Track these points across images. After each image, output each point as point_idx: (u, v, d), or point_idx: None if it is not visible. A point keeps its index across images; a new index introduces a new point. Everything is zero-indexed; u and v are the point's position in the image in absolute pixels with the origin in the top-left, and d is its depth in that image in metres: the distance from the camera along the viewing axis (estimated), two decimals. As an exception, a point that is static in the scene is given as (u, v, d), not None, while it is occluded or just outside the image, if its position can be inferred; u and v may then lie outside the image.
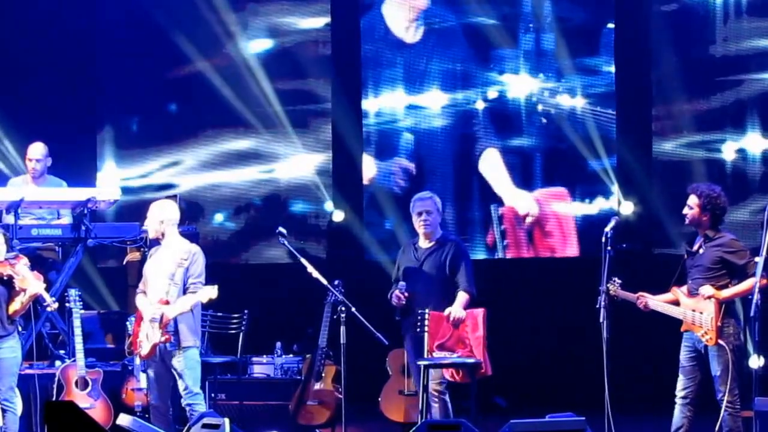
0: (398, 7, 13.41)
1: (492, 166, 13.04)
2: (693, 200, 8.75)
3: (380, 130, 13.45)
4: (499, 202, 13.02)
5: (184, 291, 9.12)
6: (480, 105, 13.11)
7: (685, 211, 8.79)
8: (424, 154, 13.32)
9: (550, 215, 12.94)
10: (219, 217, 13.83)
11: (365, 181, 13.42)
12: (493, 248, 13.03)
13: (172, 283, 9.11)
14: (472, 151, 13.14)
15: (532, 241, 12.96)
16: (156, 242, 9.48)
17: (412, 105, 13.33)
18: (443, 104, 13.24)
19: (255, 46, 13.73)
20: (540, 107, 12.97)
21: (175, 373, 9.11)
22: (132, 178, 13.86)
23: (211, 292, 9.04)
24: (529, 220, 12.94)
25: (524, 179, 13.03)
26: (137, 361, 10.04)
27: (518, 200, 12.97)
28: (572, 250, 12.81)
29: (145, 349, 9.13)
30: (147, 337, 9.10)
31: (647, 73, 12.72)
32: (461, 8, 13.19)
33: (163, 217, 9.27)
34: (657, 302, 8.84)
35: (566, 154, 12.87)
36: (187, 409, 9.10)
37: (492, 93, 13.09)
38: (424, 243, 9.52)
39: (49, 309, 9.56)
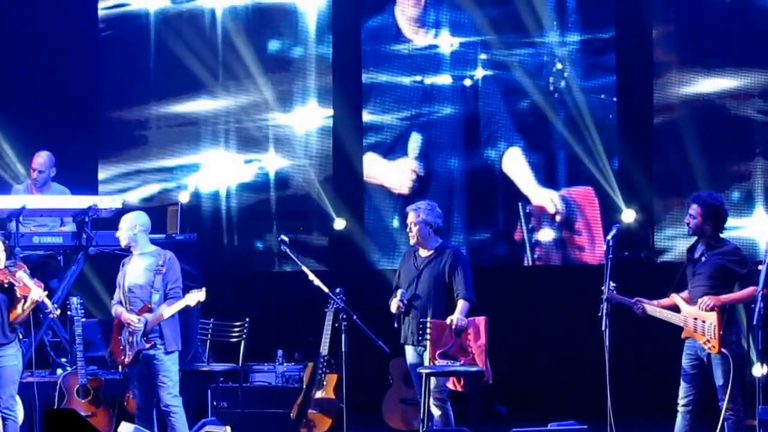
0: (406, 8, 13.42)
1: (515, 164, 13.03)
2: (695, 209, 8.73)
3: (384, 132, 13.44)
4: (526, 200, 13.01)
5: (165, 297, 9.42)
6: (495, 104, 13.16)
7: (687, 220, 8.77)
8: (432, 156, 13.32)
9: (577, 214, 12.92)
10: (221, 226, 13.82)
11: (366, 179, 13.41)
12: (521, 245, 13.03)
13: (153, 290, 9.41)
14: (494, 151, 13.13)
15: (561, 240, 12.93)
16: (129, 252, 9.69)
17: (419, 105, 13.35)
18: (452, 102, 13.26)
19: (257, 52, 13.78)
20: (553, 107, 12.98)
21: (158, 377, 9.38)
22: (133, 187, 13.87)
23: (199, 295, 9.39)
24: (558, 218, 12.93)
25: (547, 178, 13.04)
26: (120, 368, 10.09)
27: (545, 199, 12.96)
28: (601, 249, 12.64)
29: (129, 356, 9.39)
30: (129, 344, 9.35)
31: (649, 77, 12.73)
32: (469, 13, 13.22)
33: (135, 223, 9.56)
34: (656, 308, 8.80)
35: (583, 155, 12.87)
36: (166, 410, 9.39)
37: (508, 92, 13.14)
38: (423, 251, 9.51)
39: (51, 316, 9.57)
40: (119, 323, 9.50)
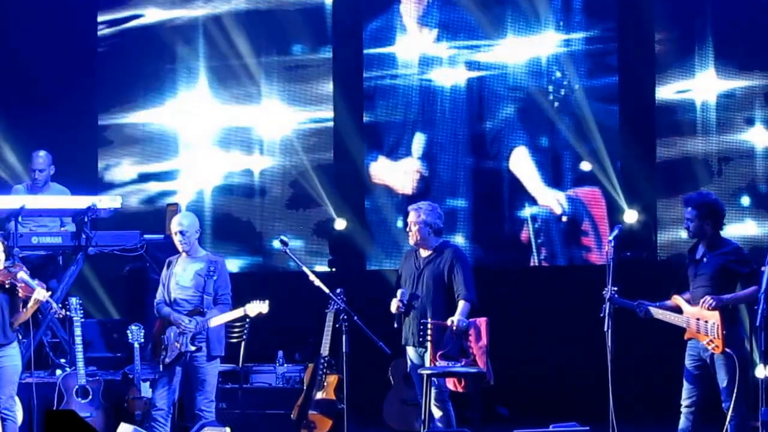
0: (410, 8, 13.40)
1: (522, 164, 13.00)
2: (690, 212, 8.67)
3: (387, 132, 13.41)
4: (532, 200, 12.97)
5: (214, 302, 9.38)
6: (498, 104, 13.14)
7: (686, 225, 8.71)
8: (436, 156, 13.29)
9: (584, 215, 12.88)
10: (220, 227, 13.80)
11: (369, 179, 13.38)
12: (527, 246, 12.98)
13: (205, 295, 9.37)
14: (499, 151, 13.09)
15: (566, 241, 12.91)
16: (174, 251, 9.64)
17: (423, 105, 13.32)
18: (456, 102, 13.23)
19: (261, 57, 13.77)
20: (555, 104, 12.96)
21: (198, 380, 9.36)
22: (132, 187, 13.86)
23: (262, 306, 9.38)
24: (564, 219, 12.90)
25: (553, 179, 13.02)
26: (161, 367, 9.93)
27: (552, 199, 12.93)
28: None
29: (170, 357, 9.34)
30: (177, 345, 9.31)
31: (651, 78, 12.72)
32: (472, 13, 13.20)
33: (197, 227, 9.55)
34: (658, 310, 8.76)
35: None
36: (199, 414, 9.35)
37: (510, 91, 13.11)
38: (423, 251, 9.48)
39: (57, 316, 9.55)
40: (163, 323, 9.47)
